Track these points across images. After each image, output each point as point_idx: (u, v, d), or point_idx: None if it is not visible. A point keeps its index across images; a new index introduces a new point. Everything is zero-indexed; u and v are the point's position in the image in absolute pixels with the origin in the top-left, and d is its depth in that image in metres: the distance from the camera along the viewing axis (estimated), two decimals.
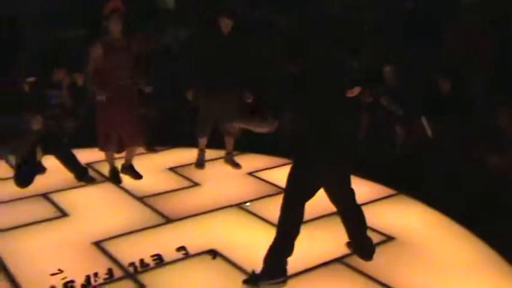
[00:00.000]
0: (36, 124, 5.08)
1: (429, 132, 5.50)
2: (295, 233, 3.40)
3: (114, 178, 5.22)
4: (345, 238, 3.80)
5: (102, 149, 5.17)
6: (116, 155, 5.29)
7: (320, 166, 3.34)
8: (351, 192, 3.63)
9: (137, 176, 5.31)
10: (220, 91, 5.25)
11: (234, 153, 5.74)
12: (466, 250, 3.96)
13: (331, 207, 3.73)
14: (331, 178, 3.49)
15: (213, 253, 3.83)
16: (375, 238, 4.08)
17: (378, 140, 6.09)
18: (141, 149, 5.74)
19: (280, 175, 5.18)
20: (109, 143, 5.08)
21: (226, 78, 5.19)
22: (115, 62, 4.83)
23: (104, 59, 4.81)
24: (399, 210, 4.62)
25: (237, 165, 5.64)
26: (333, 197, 3.62)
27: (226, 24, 5.23)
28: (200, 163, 5.64)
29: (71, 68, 5.82)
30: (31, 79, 5.75)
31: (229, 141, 5.66)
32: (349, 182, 3.61)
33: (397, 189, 4.98)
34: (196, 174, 5.41)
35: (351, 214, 3.68)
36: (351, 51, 6.03)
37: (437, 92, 5.61)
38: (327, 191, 3.57)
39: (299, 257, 3.50)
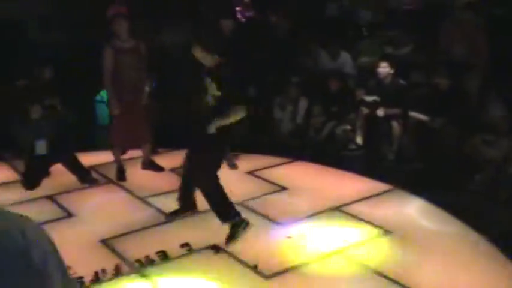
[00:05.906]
0: (35, 112, 5.16)
1: (424, 118, 5.63)
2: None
3: (120, 175, 5.33)
4: None
5: (112, 143, 5.33)
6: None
7: None
8: None
9: (159, 168, 5.48)
10: None
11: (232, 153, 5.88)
12: (462, 242, 4.09)
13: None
14: None
15: (216, 248, 3.95)
16: (372, 232, 4.22)
17: (375, 137, 6.22)
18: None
19: (279, 174, 5.38)
20: (120, 139, 5.27)
21: None
22: (124, 64, 4.99)
23: (113, 61, 4.97)
24: (395, 205, 4.75)
25: (233, 166, 5.78)
26: None
27: (227, 25, 5.44)
28: None
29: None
30: (23, 82, 5.88)
31: None
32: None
33: (393, 184, 5.11)
34: None
35: None
36: None
37: (436, 89, 5.72)
38: None
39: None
